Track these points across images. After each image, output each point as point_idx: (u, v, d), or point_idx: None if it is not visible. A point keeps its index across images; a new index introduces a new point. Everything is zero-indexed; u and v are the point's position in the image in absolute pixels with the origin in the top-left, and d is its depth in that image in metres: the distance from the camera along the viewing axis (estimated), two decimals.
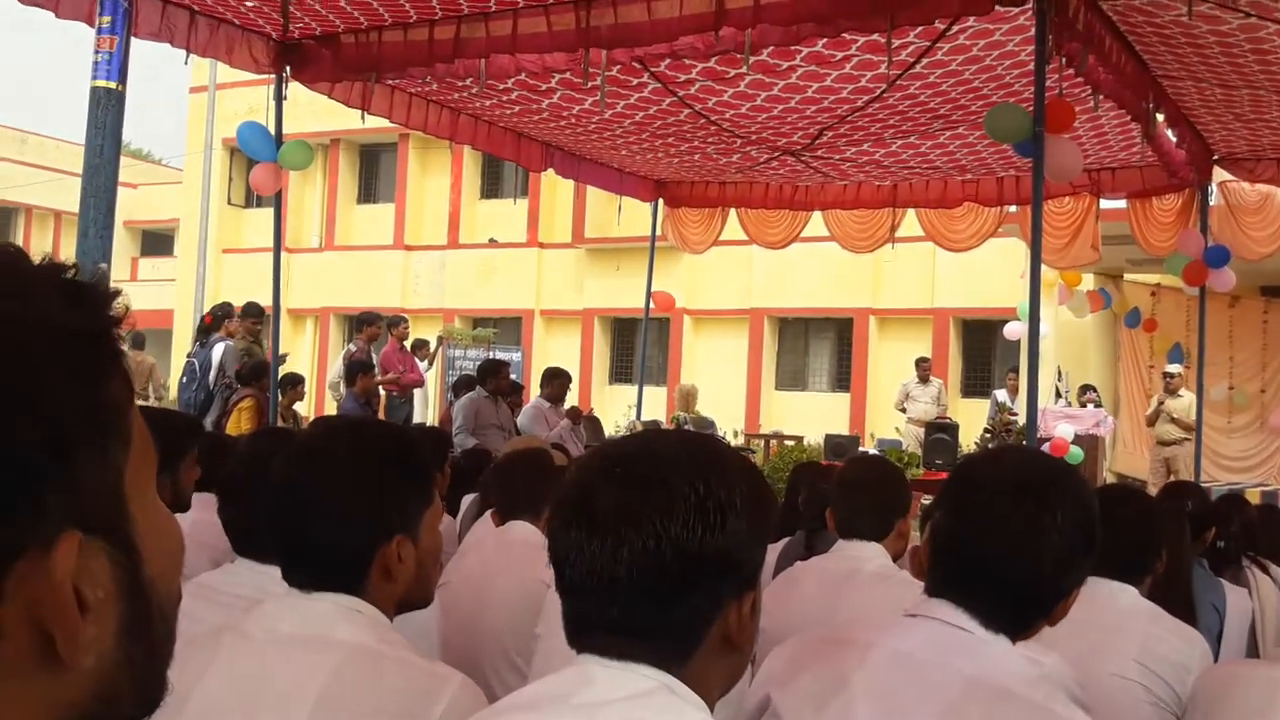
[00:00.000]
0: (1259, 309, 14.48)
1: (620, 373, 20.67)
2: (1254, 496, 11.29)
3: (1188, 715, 2.13)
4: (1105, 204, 9.52)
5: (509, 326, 21.11)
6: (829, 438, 12.43)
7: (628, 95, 7.54)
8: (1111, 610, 2.56)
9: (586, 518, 1.20)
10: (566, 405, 9.67)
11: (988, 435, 11.60)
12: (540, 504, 3.21)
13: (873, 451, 11.63)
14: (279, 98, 7.22)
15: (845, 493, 3.02)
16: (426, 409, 15.01)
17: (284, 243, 8.61)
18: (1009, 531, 1.63)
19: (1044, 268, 8.25)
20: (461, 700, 1.53)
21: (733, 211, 10.89)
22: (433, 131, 8.37)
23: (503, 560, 3.15)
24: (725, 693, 1.29)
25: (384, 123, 8.36)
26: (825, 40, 6.17)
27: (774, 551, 3.79)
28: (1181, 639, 2.54)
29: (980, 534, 1.65)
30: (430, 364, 14.14)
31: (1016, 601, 1.65)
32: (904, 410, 13.91)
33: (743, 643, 1.25)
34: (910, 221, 10.45)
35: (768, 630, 2.80)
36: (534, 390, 11.18)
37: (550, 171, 9.77)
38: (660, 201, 11.01)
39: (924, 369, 13.97)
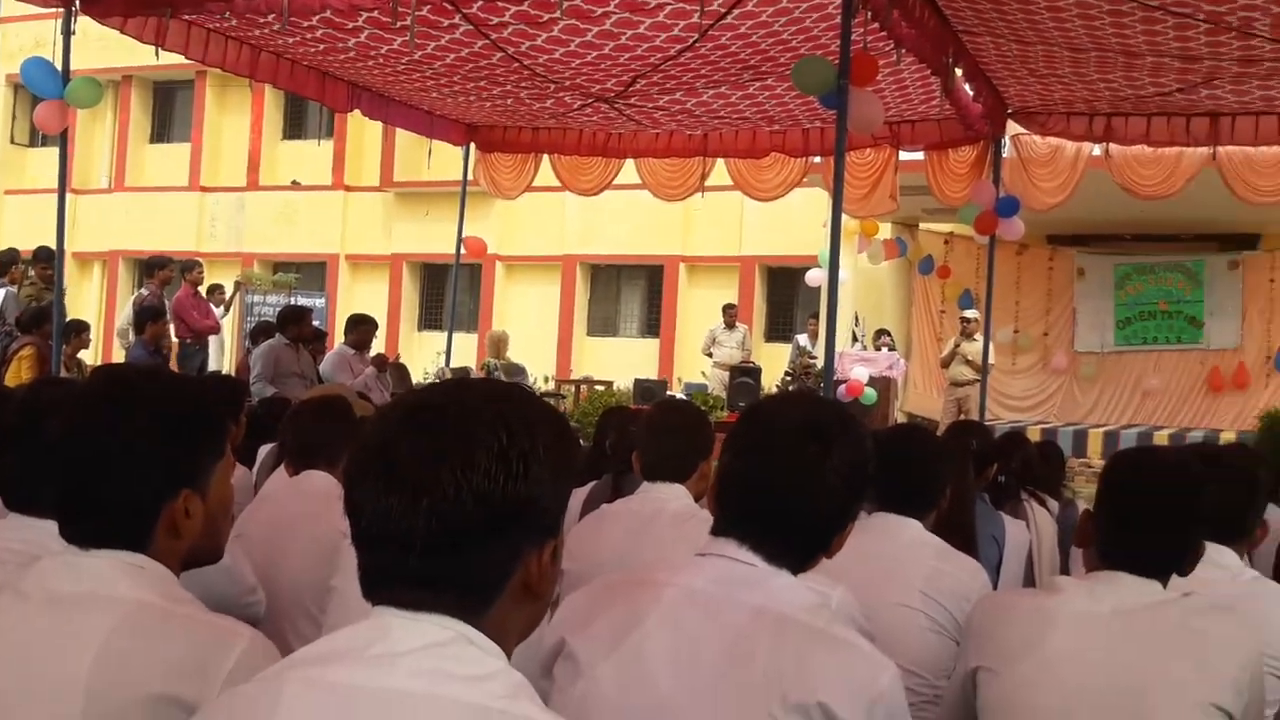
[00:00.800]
0: (1045, 256, 15.32)
1: (430, 319, 20.38)
2: (1035, 434, 12.03)
3: (965, 641, 2.26)
4: (904, 155, 9.86)
5: (312, 272, 20.50)
6: (638, 382, 12.63)
7: (439, 36, 7.36)
8: (898, 543, 2.69)
9: (385, 467, 1.18)
10: (372, 353, 9.47)
11: (789, 378, 11.98)
12: (336, 452, 3.15)
13: (679, 395, 11.85)
14: (67, 32, 6.82)
15: (650, 436, 3.06)
16: (222, 357, 14.47)
17: (70, 183, 8.14)
18: (790, 471, 1.69)
19: (844, 217, 8.53)
20: (252, 654, 1.49)
21: (545, 157, 10.82)
22: (231, 69, 8.01)
23: (297, 511, 3.09)
24: (524, 639, 1.29)
25: (180, 59, 7.97)
26: None
27: (581, 495, 3.83)
28: (963, 570, 2.69)
29: (763, 474, 1.71)
30: (227, 310, 13.68)
31: (797, 536, 1.72)
32: (710, 355, 14.19)
33: (543, 590, 1.25)
34: (719, 171, 10.59)
35: (573, 573, 2.83)
36: (339, 338, 10.92)
37: (356, 113, 9.47)
38: (472, 146, 10.83)
39: (730, 315, 14.25)
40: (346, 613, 2.33)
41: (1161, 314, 14.83)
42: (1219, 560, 2.49)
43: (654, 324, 19.13)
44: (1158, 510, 2.08)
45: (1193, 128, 8.70)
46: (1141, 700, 1.96)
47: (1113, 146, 9.10)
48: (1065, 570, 4.09)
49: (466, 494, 1.15)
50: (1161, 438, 12.67)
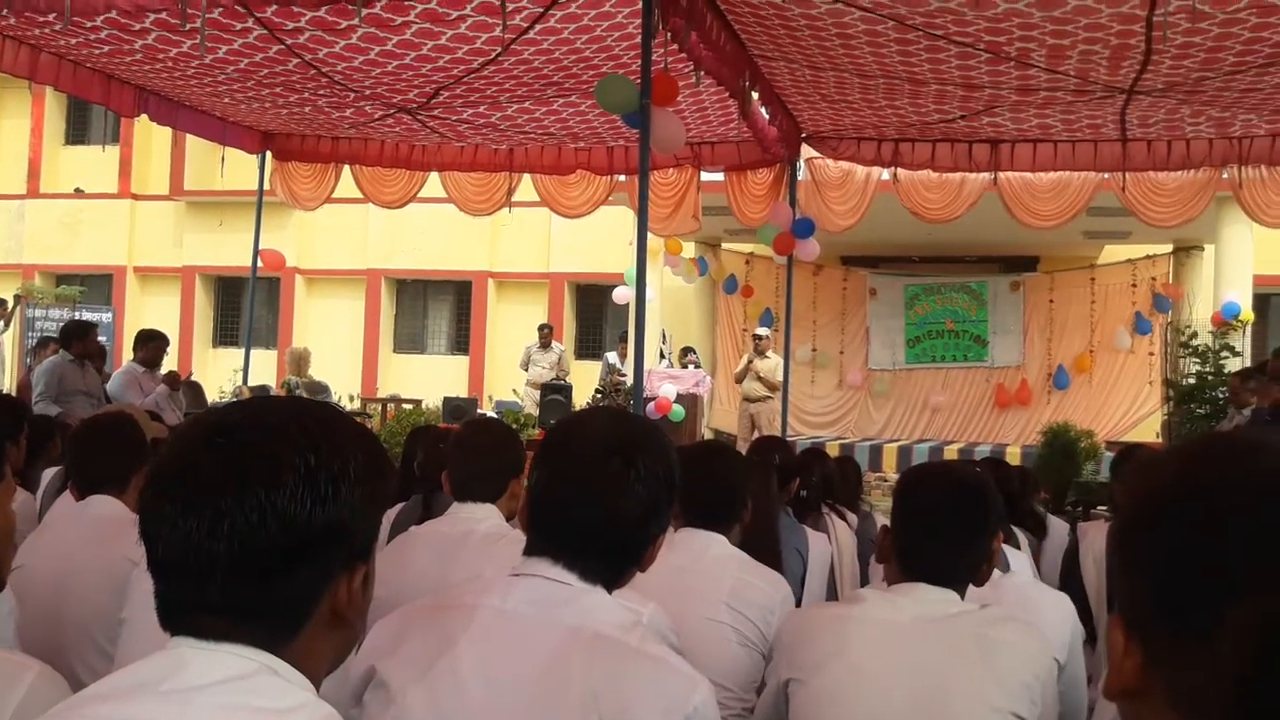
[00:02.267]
0: (839, 276, 15.91)
1: (225, 335, 19.64)
2: (833, 449, 12.46)
3: (775, 655, 2.32)
4: (705, 176, 10.08)
5: (97, 284, 19.49)
6: (447, 400, 12.45)
7: (231, 40, 7.11)
8: (704, 558, 2.74)
9: (183, 490, 1.13)
10: (164, 370, 9.05)
11: (599, 395, 12.05)
12: (124, 476, 3.00)
13: (491, 414, 11.77)
14: None
15: (460, 456, 3.03)
16: (2, 375, 13.59)
17: None
18: (597, 487, 1.70)
19: (650, 236, 8.66)
20: (40, 690, 1.40)
21: (346, 168, 10.59)
22: (9, 70, 7.52)
23: (83, 538, 2.92)
24: (335, 668, 1.25)
25: None
26: None
27: (389, 517, 3.75)
28: (766, 582, 2.76)
29: (572, 491, 1.71)
30: (6, 325, 12.87)
31: (609, 552, 1.72)
32: (527, 371, 14.15)
33: (353, 616, 1.22)
34: (527, 186, 10.59)
35: (381, 598, 2.75)
36: (127, 354, 10.39)
37: (144, 118, 9.04)
38: (268, 154, 10.51)
39: (544, 335, 14.26)
40: (140, 645, 2.22)
41: (949, 333, 15.59)
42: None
43: (463, 341, 18.95)
44: (949, 522, 2.18)
45: (975, 154, 9.19)
46: (942, 707, 2.05)
47: (900, 171, 9.52)
48: (864, 581, 4.24)
49: (271, 517, 1.11)
50: (951, 452, 13.30)
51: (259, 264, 11.19)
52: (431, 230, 17.38)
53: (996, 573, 2.95)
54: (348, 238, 18.31)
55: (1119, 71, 6.96)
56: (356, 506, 1.17)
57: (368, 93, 8.33)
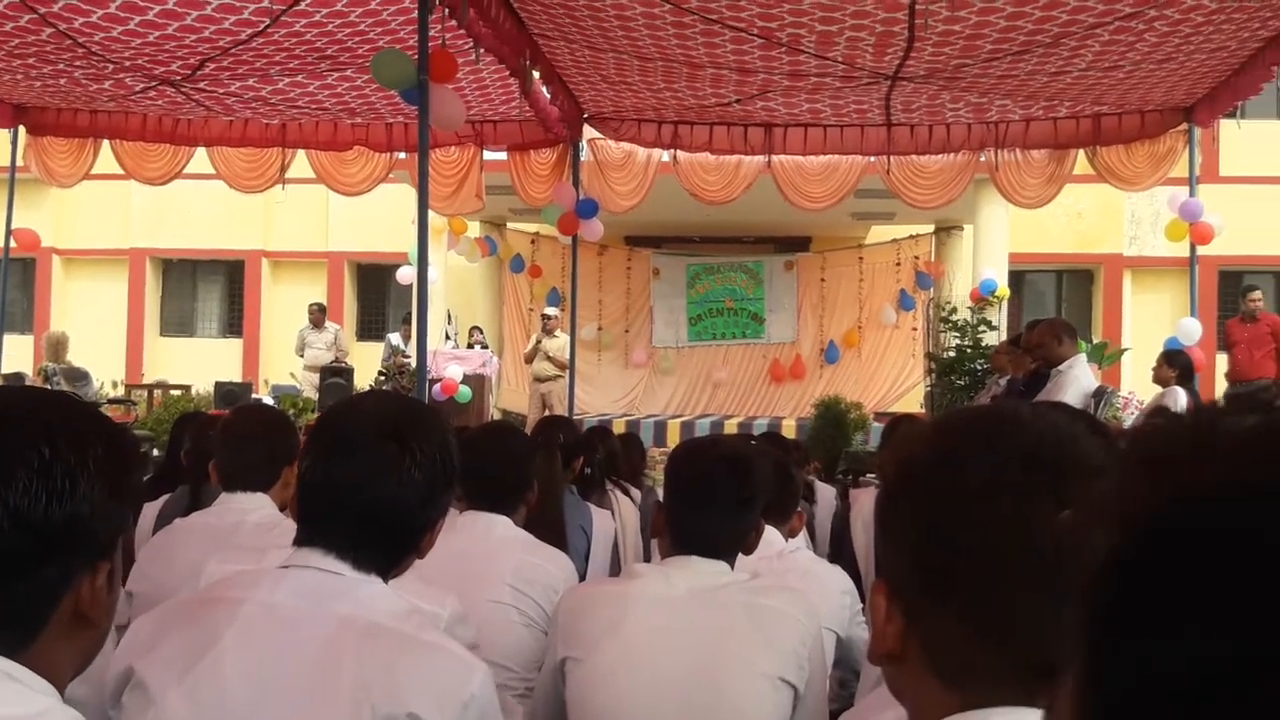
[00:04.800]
0: (624, 257, 16.09)
1: None
2: (620, 426, 12.60)
3: (552, 633, 2.33)
4: (489, 155, 9.99)
5: None
6: (219, 385, 12.00)
7: None
8: (488, 540, 2.73)
9: None
10: None
11: (382, 378, 11.82)
12: None
13: (266, 399, 11.38)
14: None
15: (228, 444, 2.92)
16: None
17: None
18: (370, 472, 1.66)
19: (433, 215, 8.52)
20: None
21: (106, 143, 9.99)
22: None
23: None
24: (81, 670, 1.19)
25: None
26: None
27: (155, 509, 3.58)
28: (550, 562, 2.77)
29: (344, 478, 1.66)
30: None
31: (385, 539, 1.68)
32: (303, 355, 13.71)
33: (98, 616, 1.16)
34: (301, 163, 10.25)
35: (144, 595, 2.65)
36: None
37: None
38: (21, 129, 9.80)
39: (315, 315, 13.80)
40: None
41: (728, 311, 16.01)
42: (767, 538, 2.72)
43: (236, 323, 18.22)
44: (717, 494, 2.23)
45: (750, 137, 9.44)
46: (715, 676, 2.11)
47: (680, 153, 9.69)
48: (648, 555, 4.32)
49: (3, 516, 1.05)
50: (731, 426, 13.67)
51: (12, 244, 10.44)
52: (200, 208, 16.61)
53: (782, 546, 3.06)
54: (109, 215, 17.31)
55: (884, 58, 7.28)
56: (97, 501, 1.11)
57: (128, 64, 7.88)
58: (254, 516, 2.77)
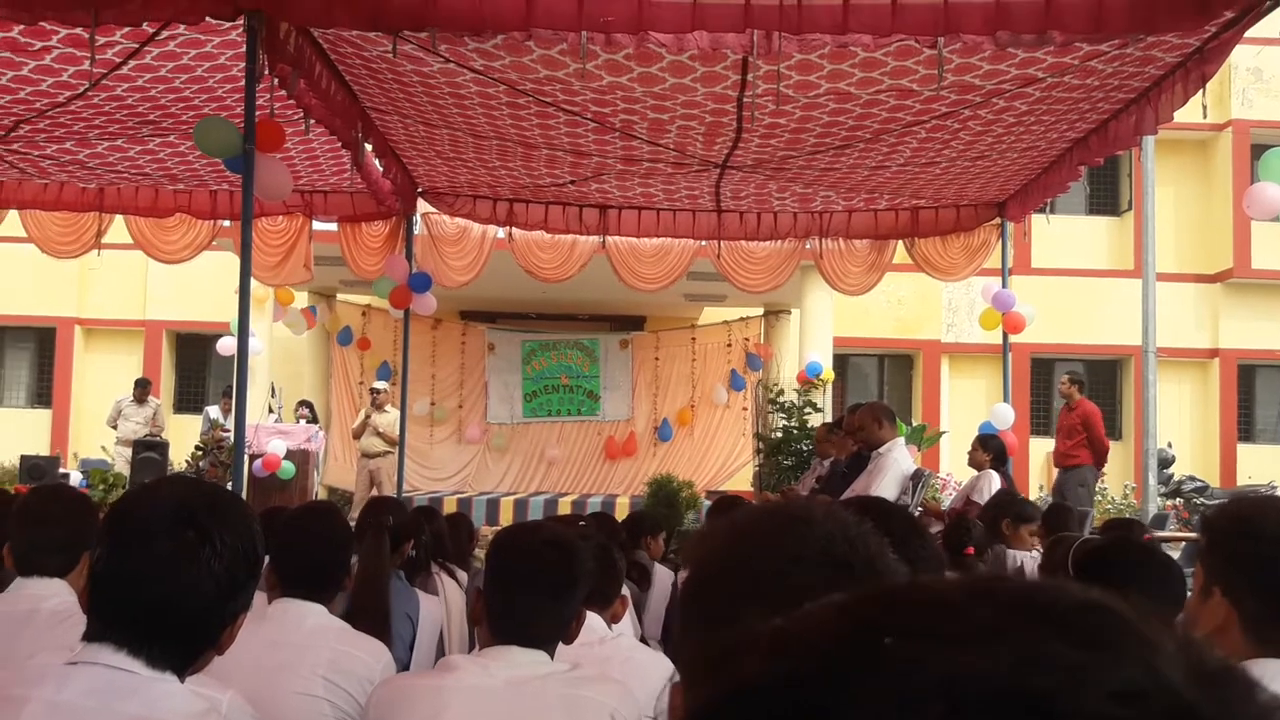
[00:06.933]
0: (458, 331, 15.96)
1: None
2: (451, 504, 12.41)
3: None
4: (319, 225, 9.81)
5: None
6: (25, 459, 11.41)
7: None
8: (300, 630, 2.61)
9: None
10: None
11: (199, 452, 11.36)
12: None
13: (75, 473, 10.82)
14: None
15: (23, 526, 2.75)
16: None
17: None
18: (165, 564, 1.57)
19: (258, 284, 8.29)
20: None
21: None
22: None
23: None
24: None
25: None
26: (22, 27, 5.60)
27: None
28: (367, 653, 2.67)
29: (138, 570, 1.58)
30: None
31: (181, 634, 1.60)
32: (115, 428, 13.08)
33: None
34: (119, 228, 9.86)
35: None
36: None
37: None
38: None
39: (140, 391, 13.30)
40: None
41: (564, 388, 16.01)
42: (589, 624, 2.69)
43: (45, 393, 17.31)
44: (538, 580, 2.20)
45: (585, 217, 9.53)
46: None
47: (515, 231, 9.70)
48: (472, 641, 4.22)
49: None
50: (565, 504, 13.59)
51: None
52: (9, 272, 15.81)
53: (605, 632, 3.02)
54: None
55: (713, 147, 7.47)
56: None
57: None
58: (49, 604, 2.61)
